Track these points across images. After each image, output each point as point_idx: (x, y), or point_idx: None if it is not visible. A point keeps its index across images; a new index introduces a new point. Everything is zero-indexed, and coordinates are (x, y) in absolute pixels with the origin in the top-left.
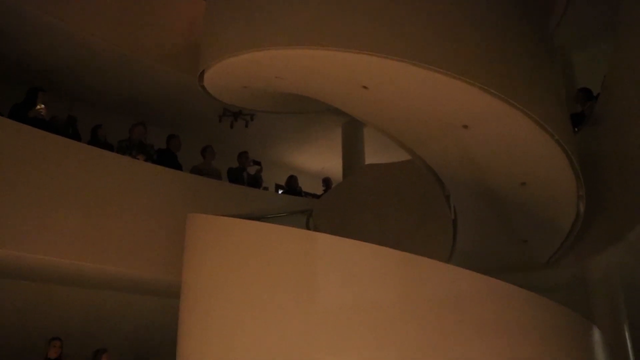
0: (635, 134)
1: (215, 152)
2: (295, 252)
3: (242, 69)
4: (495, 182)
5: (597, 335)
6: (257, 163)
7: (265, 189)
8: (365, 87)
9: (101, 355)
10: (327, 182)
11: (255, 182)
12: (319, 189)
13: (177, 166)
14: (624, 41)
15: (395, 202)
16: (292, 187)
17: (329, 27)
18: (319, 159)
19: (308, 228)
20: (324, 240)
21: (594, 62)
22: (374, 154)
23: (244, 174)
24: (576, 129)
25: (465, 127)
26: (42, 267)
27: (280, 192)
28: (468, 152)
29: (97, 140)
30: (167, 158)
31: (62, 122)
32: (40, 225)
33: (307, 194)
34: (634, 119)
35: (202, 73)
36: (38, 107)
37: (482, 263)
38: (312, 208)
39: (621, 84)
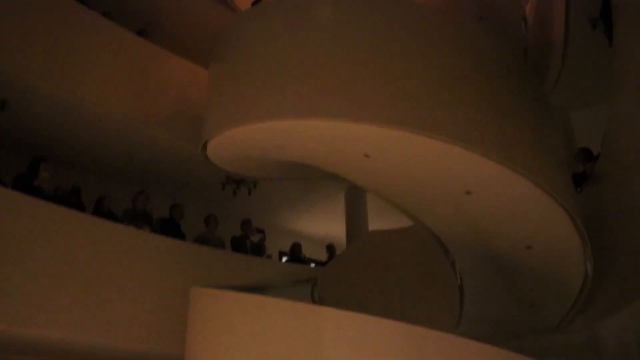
0: (636, 192)
1: (218, 221)
2: (301, 327)
3: (246, 140)
4: (500, 246)
5: None
6: (261, 231)
7: (269, 256)
8: (367, 156)
9: None
10: (330, 248)
11: (258, 250)
12: (322, 255)
13: (180, 235)
14: (619, 100)
15: (400, 269)
16: (295, 255)
17: (331, 99)
18: (323, 225)
19: (313, 298)
20: (329, 315)
21: (593, 120)
22: (378, 219)
23: (247, 242)
24: (579, 189)
25: (468, 193)
26: (40, 342)
27: (284, 259)
28: (472, 218)
29: (101, 210)
30: (170, 227)
31: (66, 193)
32: (42, 300)
33: (311, 261)
34: (636, 177)
35: (206, 143)
36: (42, 177)
37: (491, 328)
38: (316, 277)
39: (620, 143)
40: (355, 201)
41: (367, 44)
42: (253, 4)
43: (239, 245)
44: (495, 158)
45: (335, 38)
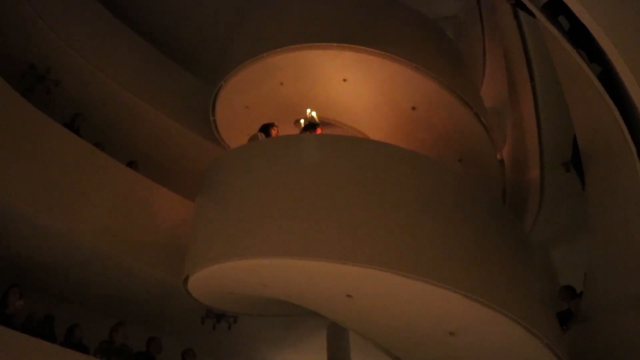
0: (622, 329)
1: (195, 356)
2: None
3: (227, 276)
4: None
5: None
6: None
7: None
8: (349, 296)
9: None
10: None
11: None
12: None
13: None
14: (596, 240)
15: None
16: None
17: (311, 239)
18: None
19: None
20: None
21: (575, 256)
22: (361, 356)
23: None
24: (564, 328)
25: (452, 334)
26: None
27: None
28: (455, 358)
29: (72, 340)
30: None
31: (38, 321)
32: None
33: None
34: (618, 315)
35: (187, 277)
36: (13, 305)
37: None
38: None
39: (601, 281)
40: (337, 339)
41: (350, 186)
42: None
43: None
44: (479, 299)
45: (318, 179)
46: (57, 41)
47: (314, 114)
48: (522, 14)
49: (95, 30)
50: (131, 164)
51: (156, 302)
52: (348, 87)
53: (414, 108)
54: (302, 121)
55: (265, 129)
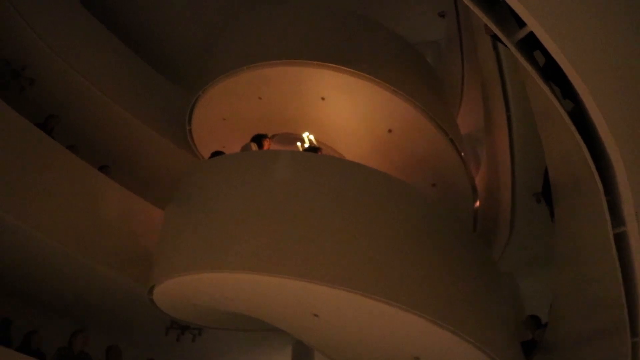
0: None
1: None
2: None
3: (192, 288)
4: None
5: None
6: None
7: None
8: (315, 315)
9: None
10: None
11: None
12: None
13: None
14: (563, 269)
15: None
16: None
17: (278, 256)
18: None
19: None
20: None
21: (542, 286)
22: None
23: None
24: (529, 358)
25: (417, 358)
26: None
27: None
28: None
29: (29, 346)
30: None
31: None
32: None
33: None
34: (582, 347)
35: (152, 287)
36: None
37: None
38: None
39: (566, 311)
40: (302, 356)
41: (322, 205)
42: (212, 155)
43: None
44: (444, 325)
45: (290, 197)
46: (34, 39)
47: (311, 137)
48: (500, 45)
49: (75, 31)
50: (103, 168)
51: (120, 309)
52: (326, 105)
53: (390, 130)
54: (299, 144)
55: (259, 139)
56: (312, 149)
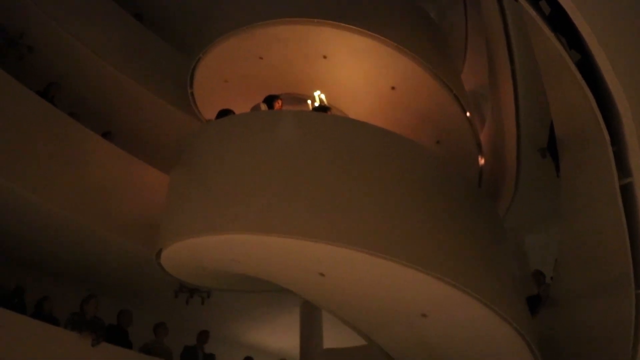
0: (589, 316)
1: (168, 330)
2: None
3: (200, 251)
4: None
5: None
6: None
7: None
8: (322, 275)
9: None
10: None
11: None
12: None
13: (127, 343)
14: (567, 227)
15: None
16: None
17: (284, 216)
18: (277, 339)
19: None
20: None
21: (548, 242)
22: (334, 335)
23: (199, 353)
24: (534, 312)
25: (424, 315)
26: None
27: None
28: (426, 339)
29: (42, 312)
30: (117, 335)
31: (8, 292)
32: None
33: None
34: (586, 301)
35: (160, 250)
36: None
37: None
38: None
39: (570, 267)
40: (310, 316)
41: (326, 164)
42: (218, 115)
43: (190, 356)
44: (450, 281)
45: (294, 157)
46: (31, 5)
47: (322, 96)
48: None
49: None
50: (106, 135)
51: (129, 274)
52: (328, 64)
53: (393, 88)
54: (309, 102)
55: (270, 100)
56: (322, 108)
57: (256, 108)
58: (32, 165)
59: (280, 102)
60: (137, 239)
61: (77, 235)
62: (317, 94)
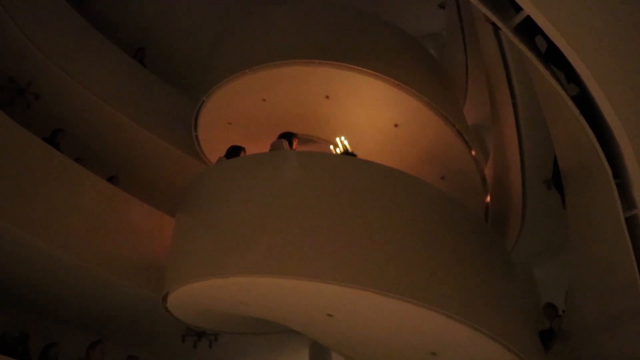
0: (603, 348)
1: None
2: None
3: (207, 294)
4: None
5: None
6: None
7: None
8: (330, 315)
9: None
10: None
11: None
12: None
13: None
14: (578, 256)
15: None
16: None
17: (291, 257)
18: None
19: None
20: None
21: (558, 273)
22: None
23: None
24: (547, 347)
25: (434, 354)
26: None
27: None
28: None
29: (47, 359)
30: None
31: (12, 339)
32: None
33: None
34: (600, 334)
35: (166, 294)
36: None
37: None
38: None
39: (582, 299)
40: (319, 357)
41: (332, 205)
42: (228, 151)
43: None
44: (460, 318)
45: (299, 197)
46: (38, 54)
47: (346, 142)
48: (502, 33)
49: (77, 44)
50: (112, 179)
51: (136, 319)
52: (330, 103)
53: (396, 125)
54: (332, 147)
55: (289, 137)
56: (347, 154)
57: (277, 144)
58: (38, 209)
59: (297, 139)
60: (142, 282)
61: (83, 280)
62: (339, 139)
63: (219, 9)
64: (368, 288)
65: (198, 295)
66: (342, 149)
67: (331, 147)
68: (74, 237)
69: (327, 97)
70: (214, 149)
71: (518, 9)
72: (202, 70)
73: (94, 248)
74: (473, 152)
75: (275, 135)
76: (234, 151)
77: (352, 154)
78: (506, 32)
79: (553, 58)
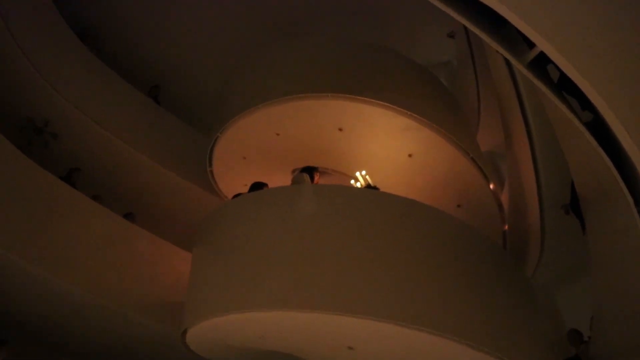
0: None
1: None
2: None
3: (226, 329)
4: None
5: None
6: None
7: None
8: (351, 348)
9: None
10: None
11: None
12: None
13: None
14: (599, 281)
15: None
16: None
17: (310, 290)
18: None
19: None
20: None
21: (578, 300)
22: None
23: None
24: None
25: None
26: None
27: None
28: None
29: None
30: None
31: None
32: None
33: None
34: (631, 357)
35: (185, 330)
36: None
37: None
38: None
39: (609, 324)
40: None
41: (350, 237)
42: (252, 187)
43: None
44: (483, 348)
45: (316, 231)
46: (54, 95)
47: (367, 176)
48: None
49: (92, 83)
50: (128, 215)
51: (155, 355)
52: (344, 136)
53: (410, 155)
54: (352, 182)
55: (310, 171)
56: (370, 188)
57: (299, 178)
58: (55, 247)
59: (318, 174)
60: (161, 318)
61: (100, 317)
62: (359, 174)
63: (232, 45)
64: (388, 320)
65: (217, 330)
66: (362, 183)
67: (352, 181)
68: (90, 273)
69: (340, 129)
70: (229, 183)
71: (531, 44)
72: (215, 106)
73: (110, 285)
74: (490, 184)
75: (289, 169)
76: (258, 187)
77: (374, 188)
78: (520, 69)
79: (566, 85)
